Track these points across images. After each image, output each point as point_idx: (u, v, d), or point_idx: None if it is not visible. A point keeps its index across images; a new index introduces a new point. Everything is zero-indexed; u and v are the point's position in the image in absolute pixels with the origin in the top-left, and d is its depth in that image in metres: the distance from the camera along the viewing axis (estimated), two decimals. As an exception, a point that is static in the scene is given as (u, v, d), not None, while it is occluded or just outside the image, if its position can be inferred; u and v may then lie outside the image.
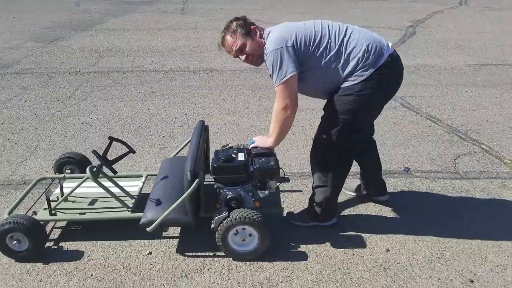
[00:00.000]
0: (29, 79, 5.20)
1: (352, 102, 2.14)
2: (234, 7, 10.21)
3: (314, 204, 2.41)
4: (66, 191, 2.36)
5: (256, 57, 2.25)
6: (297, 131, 3.77)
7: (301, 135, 3.70)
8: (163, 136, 3.71)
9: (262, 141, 2.32)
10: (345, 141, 2.24)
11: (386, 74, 2.15)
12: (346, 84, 2.15)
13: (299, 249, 2.29)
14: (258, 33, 2.24)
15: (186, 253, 2.26)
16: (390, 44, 2.23)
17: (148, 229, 2.10)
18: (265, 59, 2.18)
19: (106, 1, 11.37)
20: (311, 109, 4.16)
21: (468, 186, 2.90)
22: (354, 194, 2.77)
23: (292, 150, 3.43)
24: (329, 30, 2.17)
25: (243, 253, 2.16)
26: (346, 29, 2.19)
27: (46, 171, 3.10)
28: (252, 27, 2.24)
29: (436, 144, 3.52)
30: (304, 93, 2.33)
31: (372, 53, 2.13)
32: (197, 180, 2.03)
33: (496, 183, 2.94)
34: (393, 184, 2.89)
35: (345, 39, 2.15)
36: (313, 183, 2.40)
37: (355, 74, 2.13)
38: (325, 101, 2.33)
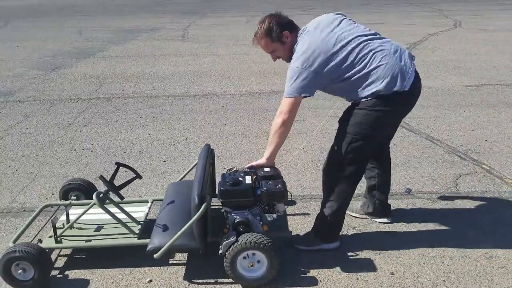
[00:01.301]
0: (31, 107, 5.26)
1: (365, 116, 2.21)
2: (234, 33, 10.41)
3: (320, 219, 2.42)
4: (72, 218, 2.36)
5: (286, 57, 2.35)
6: (297, 153, 3.80)
7: (302, 157, 3.73)
8: (164, 161, 3.73)
9: (257, 161, 2.36)
10: (355, 155, 2.29)
11: (404, 97, 2.23)
12: (364, 96, 2.20)
13: (303, 275, 2.27)
14: (291, 37, 2.30)
15: (187, 281, 2.24)
16: (413, 63, 2.27)
17: (155, 255, 2.09)
18: (291, 63, 2.24)
19: (108, 29, 11.60)
20: (312, 131, 4.20)
21: (470, 207, 2.91)
22: (356, 215, 2.78)
23: (293, 172, 3.45)
24: (358, 45, 2.18)
25: (250, 279, 2.14)
26: (374, 44, 2.20)
27: (47, 198, 3.11)
28: (284, 32, 2.29)
29: (436, 165, 3.55)
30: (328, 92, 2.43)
31: (395, 76, 2.17)
32: (204, 204, 2.03)
33: (498, 203, 2.96)
34: (395, 206, 2.90)
35: (372, 55, 2.17)
36: (323, 199, 2.42)
37: (374, 90, 2.17)
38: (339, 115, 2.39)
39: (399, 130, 4.28)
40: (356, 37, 2.20)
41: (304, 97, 2.20)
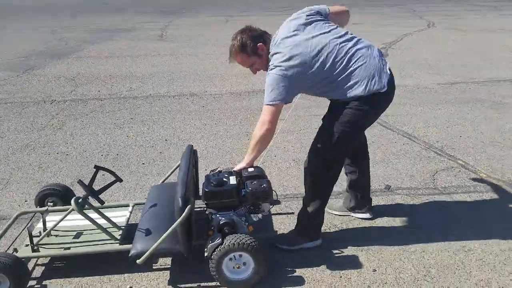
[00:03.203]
0: (2, 110, 5.08)
1: (351, 114, 2.23)
2: (213, 34, 10.35)
3: (306, 218, 2.44)
4: (49, 225, 2.28)
5: (265, 67, 2.33)
6: (279, 152, 3.80)
7: (283, 156, 3.74)
8: (143, 163, 3.67)
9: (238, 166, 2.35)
10: (339, 152, 2.33)
11: (384, 95, 2.28)
12: (347, 96, 2.22)
13: (287, 274, 2.28)
14: (266, 47, 2.29)
15: (172, 286, 2.21)
16: (388, 67, 2.32)
17: (138, 261, 2.05)
18: (267, 72, 2.24)
19: (83, 29, 11.34)
20: (292, 131, 4.22)
21: (448, 201, 2.99)
22: (338, 213, 2.81)
23: (274, 172, 3.46)
24: (337, 46, 2.20)
25: (236, 282, 2.12)
26: (354, 48, 2.23)
27: (19, 205, 3.00)
28: (258, 45, 2.28)
29: (414, 161, 3.62)
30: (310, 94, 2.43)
31: (374, 76, 2.22)
32: (189, 206, 2.00)
33: (474, 197, 3.04)
34: (375, 203, 2.93)
35: (351, 56, 2.20)
36: (306, 197, 2.44)
37: (355, 89, 2.20)
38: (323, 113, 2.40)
39: (376, 127, 4.37)
40: (330, 40, 2.22)
41: (286, 103, 2.21)
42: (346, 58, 2.20)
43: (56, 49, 8.60)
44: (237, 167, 2.34)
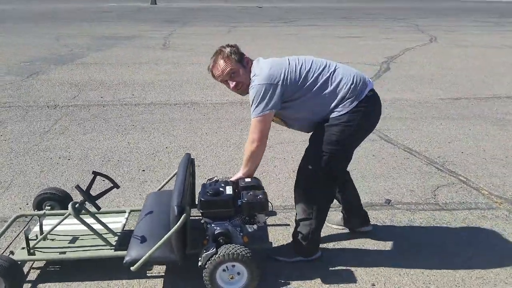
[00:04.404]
0: (6, 113, 5.09)
1: (340, 132, 2.20)
2: (215, 42, 10.42)
3: (299, 238, 2.40)
4: (46, 228, 2.27)
5: (245, 86, 2.27)
6: (278, 163, 3.79)
7: (283, 167, 3.73)
8: (143, 170, 3.67)
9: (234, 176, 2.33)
10: (331, 171, 2.28)
11: (370, 106, 2.25)
12: (333, 115, 2.22)
13: (283, 287, 2.24)
14: (250, 63, 2.30)
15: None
16: (370, 80, 2.34)
17: (132, 268, 2.03)
18: (249, 89, 2.22)
19: (87, 36, 11.44)
20: (292, 141, 4.22)
21: (449, 218, 2.96)
22: (337, 227, 2.78)
23: (274, 183, 3.44)
24: (315, 64, 2.26)
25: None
26: (331, 64, 2.29)
27: (20, 208, 3.00)
28: (245, 56, 2.30)
29: (415, 176, 3.60)
30: (292, 125, 2.38)
31: (357, 84, 2.23)
32: (184, 215, 1.99)
33: (475, 213, 3.01)
34: (375, 217, 2.92)
35: (331, 72, 2.24)
36: (297, 216, 2.40)
37: (342, 105, 2.21)
38: (308, 134, 2.38)
39: (378, 141, 4.37)
40: (312, 68, 2.25)
41: (276, 109, 2.17)
42: (327, 74, 2.23)
43: (61, 55, 8.67)
44: (233, 178, 2.33)
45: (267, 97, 2.14)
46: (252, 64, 2.29)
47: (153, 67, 7.67)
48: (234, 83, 2.28)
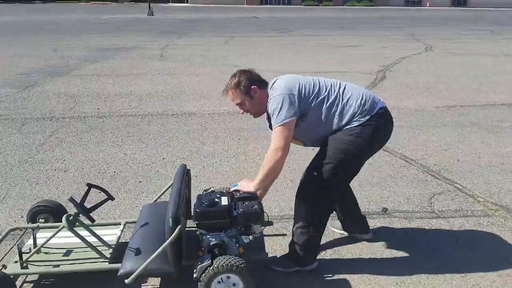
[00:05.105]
0: (1, 125, 5.09)
1: (351, 142, 2.26)
2: (213, 53, 10.49)
3: (296, 247, 2.39)
4: (39, 241, 2.25)
5: (252, 112, 2.43)
6: (276, 173, 3.78)
7: (280, 177, 3.69)
8: (140, 181, 3.65)
9: (245, 184, 2.33)
10: (336, 180, 2.31)
11: (381, 122, 2.35)
12: (346, 127, 2.30)
13: (281, 296, 2.24)
14: (258, 92, 2.37)
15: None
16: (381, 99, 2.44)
17: (126, 281, 2.01)
18: (269, 101, 2.30)
19: (84, 47, 11.48)
20: (290, 152, 4.21)
21: (445, 225, 2.95)
22: (339, 230, 2.80)
23: (271, 192, 3.41)
24: (326, 82, 2.38)
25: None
26: (341, 83, 2.41)
27: (15, 221, 2.98)
28: (252, 87, 2.35)
29: (411, 184, 3.60)
30: (303, 141, 2.45)
31: (366, 101, 2.33)
32: (179, 226, 1.98)
33: (471, 221, 3.01)
34: (372, 225, 2.91)
35: (341, 90, 2.36)
36: (295, 225, 2.40)
37: (354, 120, 2.29)
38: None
39: (374, 150, 4.37)
40: (322, 86, 2.36)
41: (293, 119, 2.23)
42: (337, 91, 2.36)
43: (57, 67, 8.69)
44: (243, 188, 2.30)
45: (288, 105, 2.22)
46: (265, 91, 2.36)
47: (150, 78, 7.70)
48: (241, 110, 2.46)
